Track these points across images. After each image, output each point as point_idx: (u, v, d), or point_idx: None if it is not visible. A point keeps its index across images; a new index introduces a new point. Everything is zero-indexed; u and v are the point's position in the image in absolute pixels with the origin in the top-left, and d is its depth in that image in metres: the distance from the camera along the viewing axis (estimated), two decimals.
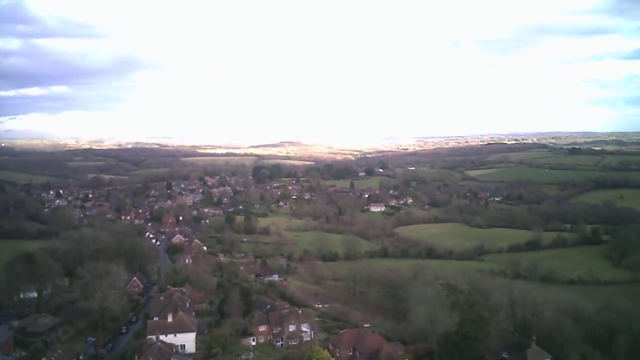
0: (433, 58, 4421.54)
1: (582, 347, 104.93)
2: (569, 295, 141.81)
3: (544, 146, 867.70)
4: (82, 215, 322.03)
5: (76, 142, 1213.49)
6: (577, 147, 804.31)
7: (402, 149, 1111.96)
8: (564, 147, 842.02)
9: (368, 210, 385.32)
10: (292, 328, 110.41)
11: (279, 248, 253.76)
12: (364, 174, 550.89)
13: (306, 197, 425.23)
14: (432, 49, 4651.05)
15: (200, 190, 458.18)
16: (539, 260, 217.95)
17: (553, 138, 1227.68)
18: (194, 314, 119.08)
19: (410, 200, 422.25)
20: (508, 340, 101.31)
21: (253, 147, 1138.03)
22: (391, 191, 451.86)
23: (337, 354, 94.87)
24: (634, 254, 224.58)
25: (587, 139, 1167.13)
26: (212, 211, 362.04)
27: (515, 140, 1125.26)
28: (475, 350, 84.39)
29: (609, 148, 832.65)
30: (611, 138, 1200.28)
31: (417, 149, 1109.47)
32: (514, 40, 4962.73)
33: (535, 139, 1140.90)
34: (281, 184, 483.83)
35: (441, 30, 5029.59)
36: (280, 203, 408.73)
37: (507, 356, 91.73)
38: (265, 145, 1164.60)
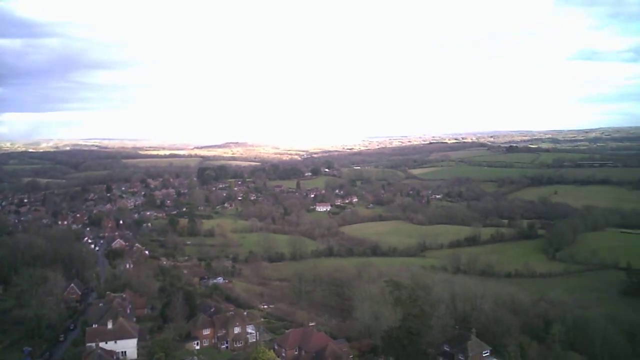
0: (377, 58, 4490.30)
1: (520, 337, 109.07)
2: (506, 288, 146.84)
3: (482, 145, 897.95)
4: (16, 221, 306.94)
5: (11, 144, 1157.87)
6: (514, 145, 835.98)
7: (347, 149, 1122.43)
8: (502, 145, 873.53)
9: (314, 210, 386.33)
10: (237, 330, 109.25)
11: (224, 250, 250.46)
12: (310, 174, 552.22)
13: (252, 198, 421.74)
14: (376, 50, 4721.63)
15: (142, 192, 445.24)
16: (478, 254, 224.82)
17: (491, 137, 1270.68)
18: (135, 319, 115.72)
19: (355, 200, 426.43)
20: (449, 333, 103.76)
21: (198, 148, 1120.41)
22: (337, 191, 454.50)
23: (283, 354, 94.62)
24: (568, 247, 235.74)
25: (524, 138, 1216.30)
26: (155, 214, 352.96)
27: (455, 139, 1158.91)
28: (417, 345, 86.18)
29: (544, 146, 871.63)
30: (546, 136, 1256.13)
31: (363, 148, 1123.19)
32: (450, 41, 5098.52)
33: (474, 138, 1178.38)
34: (227, 185, 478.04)
35: (384, 30, 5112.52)
36: (226, 204, 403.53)
37: (448, 349, 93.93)
38: (211, 146, 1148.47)
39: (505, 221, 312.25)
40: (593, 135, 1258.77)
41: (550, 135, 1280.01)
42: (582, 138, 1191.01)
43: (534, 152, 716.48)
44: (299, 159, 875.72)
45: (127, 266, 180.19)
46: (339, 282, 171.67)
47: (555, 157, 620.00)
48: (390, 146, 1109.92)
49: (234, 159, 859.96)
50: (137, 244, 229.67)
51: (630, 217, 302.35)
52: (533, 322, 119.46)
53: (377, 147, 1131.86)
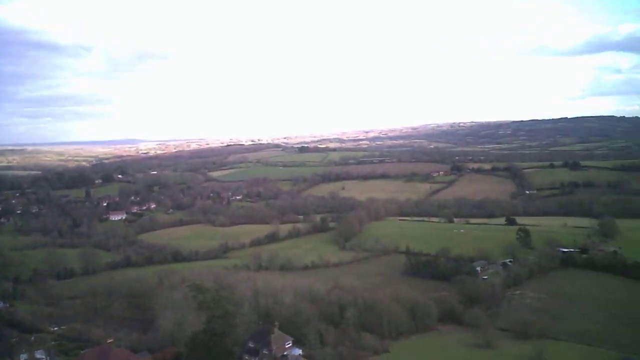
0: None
1: (319, 324, 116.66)
2: (305, 280, 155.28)
3: (277, 146, 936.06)
4: None
5: None
6: (305, 145, 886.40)
7: (142, 153, 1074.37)
8: (295, 146, 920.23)
9: (107, 219, 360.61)
10: (24, 358, 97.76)
11: (2, 270, 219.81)
12: (101, 180, 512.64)
13: (34, 211, 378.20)
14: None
15: None
16: (278, 251, 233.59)
17: (285, 138, 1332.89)
18: None
19: (153, 205, 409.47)
20: (253, 329, 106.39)
21: None
22: (132, 197, 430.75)
23: None
24: (356, 237, 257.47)
25: (314, 138, 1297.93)
26: None
27: (252, 141, 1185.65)
28: (223, 345, 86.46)
29: (331, 145, 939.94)
30: (333, 136, 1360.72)
31: (159, 152, 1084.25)
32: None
33: (270, 140, 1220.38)
34: (2, 198, 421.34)
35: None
36: (2, 220, 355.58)
37: (252, 345, 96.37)
38: None
39: (301, 217, 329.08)
40: (372, 135, 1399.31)
41: (336, 136, 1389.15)
42: (363, 137, 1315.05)
43: (323, 151, 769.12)
44: (87, 165, 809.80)
45: None
46: (139, 293, 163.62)
47: (341, 155, 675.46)
48: (188, 149, 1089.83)
49: (10, 168, 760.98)
50: None
51: (405, 206, 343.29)
52: (329, 309, 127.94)
53: (174, 150, 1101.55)
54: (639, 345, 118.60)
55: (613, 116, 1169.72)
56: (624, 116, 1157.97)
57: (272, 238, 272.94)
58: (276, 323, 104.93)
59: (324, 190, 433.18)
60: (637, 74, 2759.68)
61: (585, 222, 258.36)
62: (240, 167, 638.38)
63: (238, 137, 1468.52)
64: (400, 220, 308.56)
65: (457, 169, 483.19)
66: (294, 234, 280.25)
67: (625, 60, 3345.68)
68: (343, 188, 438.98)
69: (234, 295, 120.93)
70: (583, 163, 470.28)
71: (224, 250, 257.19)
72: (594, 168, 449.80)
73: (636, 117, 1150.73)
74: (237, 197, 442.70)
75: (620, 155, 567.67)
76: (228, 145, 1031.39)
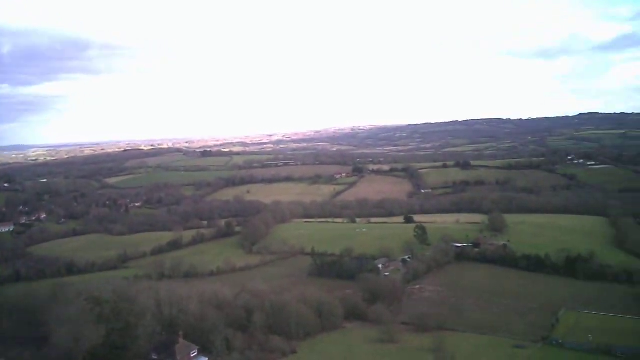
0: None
1: (225, 330, 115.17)
2: (210, 286, 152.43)
3: (179, 150, 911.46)
4: None
5: None
6: (208, 149, 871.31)
7: (31, 160, 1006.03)
8: (197, 150, 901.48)
9: None
10: None
11: None
12: None
13: None
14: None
15: None
16: (182, 258, 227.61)
17: (187, 142, 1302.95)
18: None
19: (44, 216, 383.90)
20: (157, 340, 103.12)
21: None
22: (21, 207, 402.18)
23: None
24: (262, 240, 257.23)
25: (217, 142, 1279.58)
26: None
27: (152, 145, 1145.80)
28: (124, 359, 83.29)
29: (235, 149, 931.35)
30: (237, 140, 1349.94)
31: (49, 158, 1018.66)
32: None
33: (170, 144, 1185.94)
34: None
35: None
36: None
37: (155, 357, 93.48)
38: None
39: (205, 222, 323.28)
40: (275, 138, 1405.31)
41: (239, 139, 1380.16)
42: (267, 141, 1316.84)
43: (226, 155, 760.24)
44: None
45: None
46: (31, 308, 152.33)
47: (245, 159, 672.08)
48: (82, 155, 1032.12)
49: None
50: None
51: (310, 208, 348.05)
52: (236, 314, 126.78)
53: (66, 156, 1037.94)
54: (530, 333, 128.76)
55: (499, 118, 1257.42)
56: (509, 118, 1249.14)
57: (175, 245, 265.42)
58: (180, 332, 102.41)
59: (229, 194, 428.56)
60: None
61: (476, 218, 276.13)
62: (140, 173, 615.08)
63: (136, 142, 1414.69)
64: (305, 222, 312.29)
65: (359, 171, 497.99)
66: (199, 240, 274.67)
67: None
68: (248, 192, 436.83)
69: (135, 306, 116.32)
70: (473, 163, 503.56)
71: (123, 260, 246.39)
72: (484, 167, 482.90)
73: (519, 119, 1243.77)
74: (137, 204, 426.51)
75: (507, 155, 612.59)
76: (126, 151, 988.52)
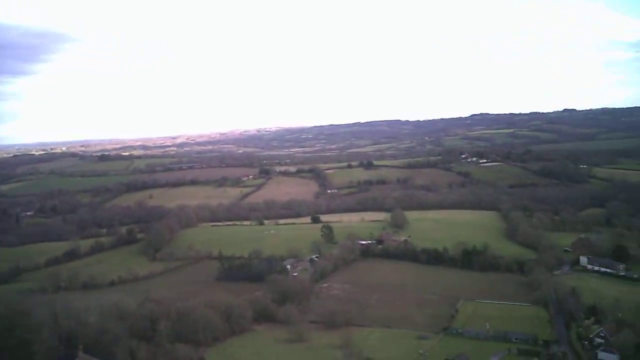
0: None
1: (129, 341, 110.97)
2: (112, 297, 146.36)
3: (74, 155, 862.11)
4: None
5: None
6: (107, 153, 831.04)
7: None
8: (94, 154, 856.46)
9: None
10: None
11: None
12: None
13: None
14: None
15: None
16: (79, 268, 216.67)
17: (82, 146, 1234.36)
18: None
19: None
20: (54, 356, 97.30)
21: None
22: None
23: None
24: (167, 246, 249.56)
25: (116, 145, 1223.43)
26: None
27: (43, 150, 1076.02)
28: None
29: (136, 153, 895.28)
30: (137, 143, 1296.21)
31: None
32: None
33: (64, 149, 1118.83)
34: None
35: None
36: None
37: None
38: None
39: (104, 230, 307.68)
40: (179, 140, 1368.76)
41: (141, 142, 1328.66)
42: (170, 144, 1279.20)
43: (127, 159, 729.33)
44: None
45: None
46: None
47: (147, 162, 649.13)
48: None
49: None
50: None
51: (217, 211, 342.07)
52: (140, 324, 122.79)
53: None
54: (432, 324, 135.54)
55: (399, 120, 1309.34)
56: (408, 120, 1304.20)
57: (72, 255, 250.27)
58: (80, 346, 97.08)
59: (130, 199, 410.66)
60: None
61: (380, 215, 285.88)
62: (31, 179, 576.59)
63: (26, 146, 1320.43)
64: (212, 225, 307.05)
65: (266, 172, 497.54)
66: (97, 249, 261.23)
67: None
68: (151, 196, 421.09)
69: (30, 321, 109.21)
70: (376, 163, 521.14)
71: (15, 274, 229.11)
72: (385, 167, 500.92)
73: (417, 120, 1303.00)
74: (28, 213, 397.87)
75: (406, 154, 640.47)
76: (15, 156, 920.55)
